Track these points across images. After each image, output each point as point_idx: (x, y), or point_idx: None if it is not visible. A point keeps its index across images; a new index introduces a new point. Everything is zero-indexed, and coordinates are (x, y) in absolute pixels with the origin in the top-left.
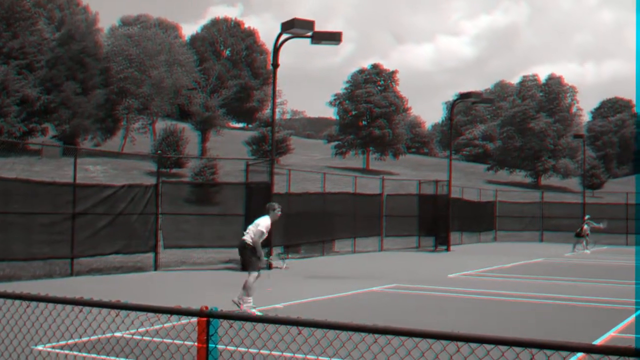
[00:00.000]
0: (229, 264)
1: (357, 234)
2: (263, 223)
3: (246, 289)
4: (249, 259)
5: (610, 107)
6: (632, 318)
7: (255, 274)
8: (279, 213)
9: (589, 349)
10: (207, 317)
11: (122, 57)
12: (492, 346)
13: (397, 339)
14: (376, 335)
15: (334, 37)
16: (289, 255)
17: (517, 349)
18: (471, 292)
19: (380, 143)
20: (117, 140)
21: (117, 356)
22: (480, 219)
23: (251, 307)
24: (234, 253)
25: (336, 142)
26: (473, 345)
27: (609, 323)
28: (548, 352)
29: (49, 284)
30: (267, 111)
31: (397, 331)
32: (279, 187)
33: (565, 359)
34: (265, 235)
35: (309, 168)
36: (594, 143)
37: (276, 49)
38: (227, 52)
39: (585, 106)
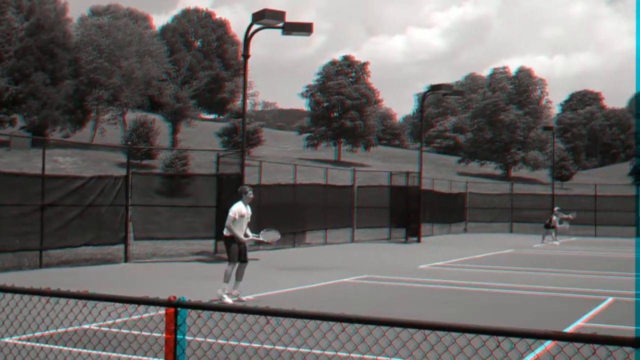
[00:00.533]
0: (201, 255)
1: (328, 225)
2: (232, 209)
3: (225, 276)
4: (226, 249)
5: (580, 100)
6: (600, 307)
7: (232, 264)
8: (251, 195)
9: (558, 337)
10: (175, 307)
11: (92, 47)
12: (459, 334)
13: (365, 328)
14: (344, 324)
15: (304, 28)
16: (260, 247)
17: (484, 337)
18: (442, 283)
19: (351, 135)
20: (87, 131)
21: (84, 347)
22: (451, 211)
23: (224, 294)
24: (206, 244)
25: (308, 134)
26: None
27: (578, 312)
28: (514, 339)
29: (18, 276)
30: (238, 102)
31: (359, 319)
32: (250, 178)
33: (531, 347)
34: (246, 220)
35: (281, 160)
36: (564, 135)
37: (247, 40)
38: (199, 43)
39: (555, 99)
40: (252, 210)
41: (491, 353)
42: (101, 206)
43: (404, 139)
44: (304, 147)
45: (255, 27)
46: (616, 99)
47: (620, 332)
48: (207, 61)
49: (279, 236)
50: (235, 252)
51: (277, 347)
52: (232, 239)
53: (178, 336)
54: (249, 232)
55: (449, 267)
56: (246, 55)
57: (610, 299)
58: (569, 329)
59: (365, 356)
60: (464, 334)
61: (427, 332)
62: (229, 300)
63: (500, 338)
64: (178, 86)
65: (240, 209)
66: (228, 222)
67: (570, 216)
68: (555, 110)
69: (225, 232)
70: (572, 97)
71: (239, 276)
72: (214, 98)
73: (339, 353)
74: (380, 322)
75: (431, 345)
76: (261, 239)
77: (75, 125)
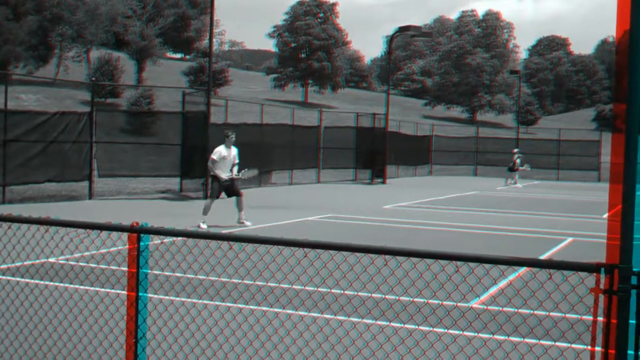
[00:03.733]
0: (166, 193)
1: (294, 165)
2: (214, 150)
3: (204, 209)
4: (210, 186)
5: (547, 45)
6: (559, 247)
7: (210, 199)
8: (233, 138)
9: (520, 262)
10: (138, 233)
11: None
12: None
13: (327, 254)
14: (306, 250)
15: None
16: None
17: (459, 264)
18: (405, 222)
19: (319, 76)
20: (50, 68)
21: (51, 280)
22: (416, 153)
23: (203, 223)
24: (171, 183)
25: (275, 75)
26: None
27: (538, 251)
28: (473, 265)
29: None
30: (205, 41)
31: (317, 245)
32: (216, 117)
33: (489, 272)
34: (229, 160)
35: (248, 100)
36: (530, 80)
37: None
38: None
39: (523, 43)
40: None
41: (449, 277)
42: (65, 143)
43: (372, 81)
44: (271, 87)
45: None
46: (583, 45)
47: None
48: None
49: (257, 172)
50: (215, 189)
51: (235, 279)
52: (214, 177)
53: (140, 261)
54: (234, 171)
55: (413, 208)
56: None
57: (569, 239)
58: None
59: (326, 285)
60: (437, 260)
61: (401, 259)
62: (205, 227)
63: (460, 264)
64: (144, 23)
65: (220, 151)
66: (209, 162)
67: (525, 168)
68: (523, 54)
69: (209, 171)
70: (540, 42)
71: (239, 207)
72: (180, 37)
73: (300, 279)
74: (336, 247)
75: (405, 271)
76: (240, 176)
77: (39, 62)
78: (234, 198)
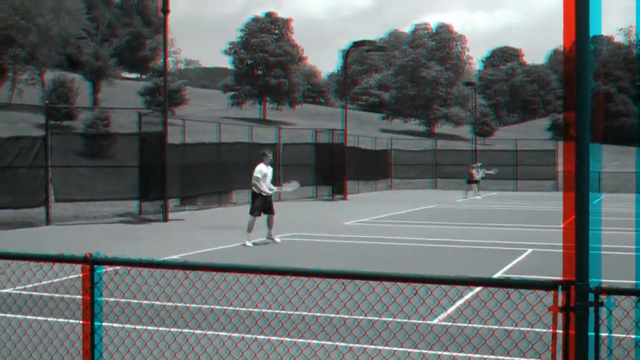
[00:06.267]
0: (125, 217)
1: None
2: (256, 169)
3: (247, 226)
4: (251, 202)
5: (500, 56)
6: (519, 258)
7: (252, 216)
8: (270, 156)
9: (479, 283)
10: (91, 264)
11: (6, 4)
12: (391, 284)
13: (284, 280)
14: (263, 277)
15: None
16: (185, 208)
17: (417, 286)
18: (366, 239)
19: (276, 93)
20: (3, 92)
21: (10, 311)
22: (375, 168)
23: (248, 241)
24: (130, 205)
25: (232, 93)
26: (373, 284)
27: (499, 264)
28: (431, 286)
29: None
30: (160, 60)
31: (272, 271)
32: (173, 137)
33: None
34: (268, 177)
35: (205, 119)
36: (485, 91)
37: None
38: None
39: (476, 55)
40: (175, 170)
41: (408, 300)
42: (19, 168)
43: (329, 96)
44: (229, 105)
45: None
46: (535, 55)
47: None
48: (127, 18)
49: (298, 185)
50: (257, 207)
51: (196, 304)
52: (256, 195)
53: (95, 294)
54: (272, 186)
55: (374, 224)
56: (165, 10)
57: (529, 250)
58: None
59: (286, 310)
60: (396, 282)
61: (359, 282)
62: (250, 245)
63: (418, 286)
64: (98, 44)
65: (262, 169)
66: (254, 180)
67: (491, 172)
68: (477, 66)
69: (253, 189)
70: (493, 53)
71: (269, 225)
72: (135, 56)
73: (258, 307)
74: (295, 273)
75: (364, 295)
76: (283, 189)
77: None
78: (265, 215)
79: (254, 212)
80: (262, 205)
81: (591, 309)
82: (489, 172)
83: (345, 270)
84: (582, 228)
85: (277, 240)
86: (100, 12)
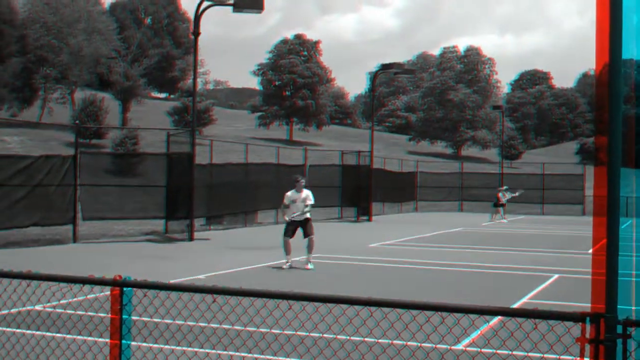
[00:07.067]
0: (151, 235)
1: (280, 205)
2: (284, 196)
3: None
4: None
5: (529, 79)
6: (545, 284)
7: (283, 237)
8: (302, 182)
9: (501, 312)
10: (120, 287)
11: (39, 24)
12: (418, 312)
13: (311, 305)
14: (290, 302)
15: (255, 5)
16: (211, 227)
17: (428, 313)
18: (391, 262)
19: (303, 114)
20: (34, 110)
21: (28, 328)
22: (401, 190)
23: (286, 263)
24: (157, 224)
25: (260, 113)
26: (399, 311)
27: (524, 289)
28: (458, 315)
29: None
30: (189, 81)
31: (304, 297)
32: (201, 157)
33: (474, 323)
34: (299, 202)
35: (233, 139)
36: (513, 114)
37: (197, 17)
38: (149, 20)
39: (505, 78)
40: (203, 189)
41: (435, 329)
42: (49, 186)
43: (356, 118)
44: (256, 126)
45: (205, 3)
46: (564, 79)
47: (565, 309)
48: (158, 39)
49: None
50: (286, 228)
51: (223, 326)
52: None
53: (123, 316)
54: (306, 212)
55: (399, 246)
56: (196, 33)
57: (555, 276)
58: (515, 305)
59: (311, 334)
60: (408, 310)
61: (373, 309)
62: (286, 268)
63: (445, 314)
64: (128, 64)
65: (289, 196)
66: (282, 206)
67: (516, 194)
68: (505, 89)
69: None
70: (522, 76)
71: (309, 249)
72: (164, 76)
73: (284, 331)
74: (322, 299)
75: (376, 321)
76: (510, 195)
77: (23, 103)
78: (306, 239)
79: (285, 233)
80: (290, 227)
81: (619, 340)
82: (514, 194)
83: (372, 298)
84: (612, 257)
85: (309, 267)
86: (131, 33)
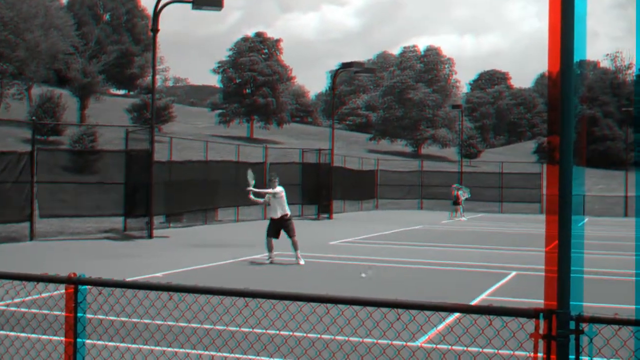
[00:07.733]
0: (110, 233)
1: (240, 202)
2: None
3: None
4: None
5: (488, 79)
6: (503, 281)
7: (266, 237)
8: (274, 180)
9: (459, 309)
10: (75, 285)
11: None
12: (374, 309)
13: (268, 303)
14: (247, 299)
15: (215, 3)
16: (170, 225)
17: (400, 311)
18: (351, 259)
19: (264, 112)
20: None
21: None
22: (362, 188)
23: (267, 259)
24: (115, 222)
25: (220, 111)
26: (356, 308)
27: (482, 286)
28: (414, 312)
29: None
30: (148, 78)
31: (260, 294)
32: (160, 155)
33: (430, 319)
34: (281, 200)
35: (192, 136)
36: (472, 114)
37: (156, 14)
38: (107, 16)
39: (464, 78)
40: (162, 187)
41: (391, 326)
42: (5, 183)
43: (317, 116)
44: (216, 123)
45: (164, 0)
46: (523, 79)
47: (521, 305)
48: (116, 35)
49: (252, 174)
50: (268, 228)
51: (179, 324)
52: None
53: (78, 314)
54: (286, 209)
55: (359, 243)
56: (155, 30)
57: (513, 273)
58: (473, 302)
59: (269, 331)
60: (365, 307)
61: (329, 306)
62: (267, 262)
63: (401, 311)
64: (86, 60)
65: (269, 194)
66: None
67: (464, 193)
68: (464, 89)
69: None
70: (481, 76)
71: (294, 247)
72: (123, 73)
73: (241, 329)
74: (280, 296)
75: (333, 318)
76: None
77: None
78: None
79: (267, 234)
80: (272, 227)
81: (572, 336)
82: (463, 197)
83: (328, 295)
84: (564, 254)
85: (301, 262)
86: (90, 29)
